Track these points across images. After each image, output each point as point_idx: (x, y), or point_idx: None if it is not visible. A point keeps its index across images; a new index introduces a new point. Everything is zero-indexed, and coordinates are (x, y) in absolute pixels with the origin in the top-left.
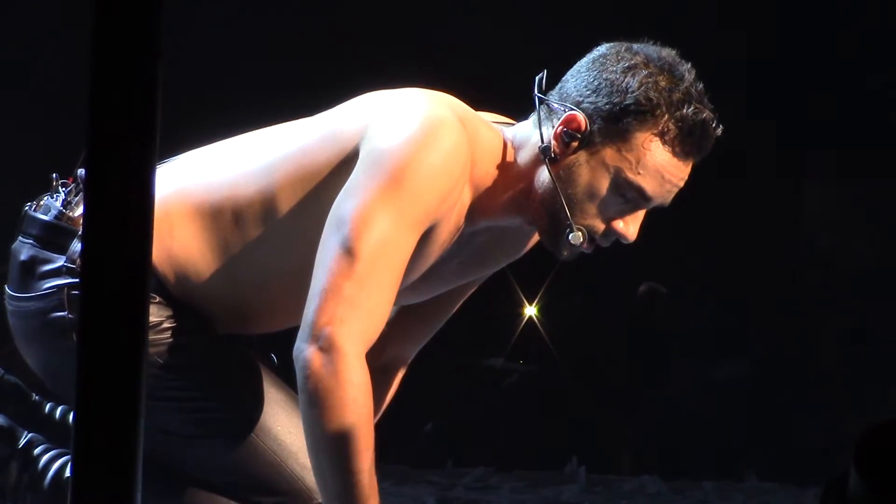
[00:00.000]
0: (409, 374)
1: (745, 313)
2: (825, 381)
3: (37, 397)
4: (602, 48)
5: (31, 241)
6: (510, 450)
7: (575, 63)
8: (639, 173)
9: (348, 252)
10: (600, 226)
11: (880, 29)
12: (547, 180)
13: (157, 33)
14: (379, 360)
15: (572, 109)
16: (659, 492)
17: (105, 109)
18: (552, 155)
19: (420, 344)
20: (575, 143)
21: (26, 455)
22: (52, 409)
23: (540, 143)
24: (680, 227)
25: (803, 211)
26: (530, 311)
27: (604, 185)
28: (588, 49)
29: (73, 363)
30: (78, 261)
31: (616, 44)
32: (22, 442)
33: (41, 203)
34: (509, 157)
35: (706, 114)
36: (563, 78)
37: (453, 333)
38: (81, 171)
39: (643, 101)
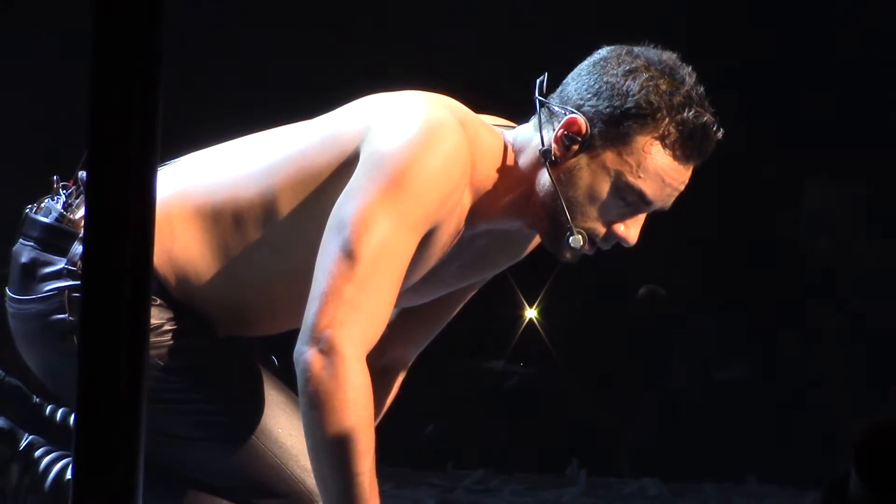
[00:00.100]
0: (409, 376)
1: (745, 315)
2: (825, 381)
3: (38, 400)
4: (603, 51)
5: (31, 244)
6: (511, 452)
7: (576, 66)
8: (639, 177)
9: (349, 255)
10: (601, 229)
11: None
12: (548, 183)
13: (157, 34)
14: (379, 363)
15: (573, 113)
16: (659, 494)
17: (106, 111)
18: (553, 158)
19: (420, 346)
20: (576, 147)
21: (27, 457)
22: (53, 412)
23: (540, 147)
24: (679, 229)
25: (803, 211)
26: (531, 313)
27: (604, 188)
28: (589, 51)
29: (74, 365)
30: (79, 263)
31: (617, 47)
32: (23, 444)
33: (42, 205)
34: (510, 160)
35: (707, 117)
36: (564, 81)
37: (454, 336)
38: (82, 174)
39: (644, 105)
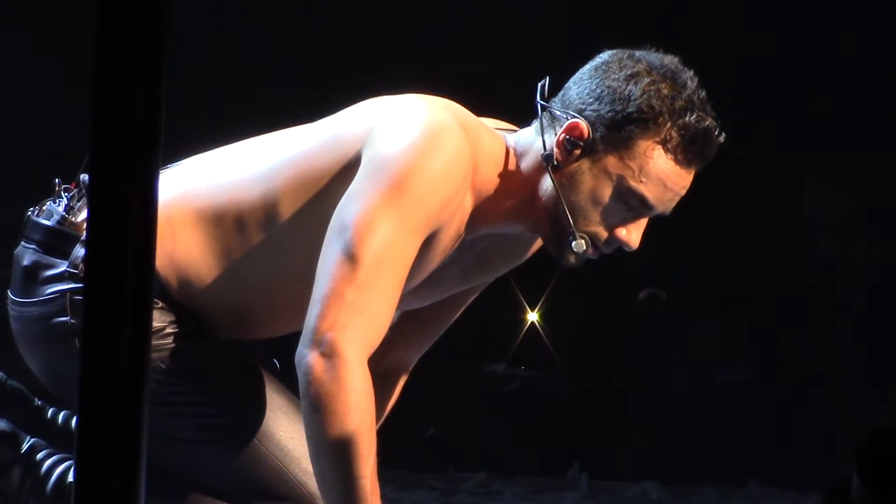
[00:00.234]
0: (410, 379)
1: (746, 318)
2: (826, 383)
3: (39, 402)
4: (604, 55)
5: (33, 246)
6: (512, 455)
7: (577, 69)
8: (641, 181)
9: (350, 258)
10: (603, 233)
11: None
12: (549, 188)
13: (159, 34)
14: (381, 366)
15: (575, 117)
16: (660, 497)
17: (108, 113)
18: (555, 162)
19: (422, 349)
20: (577, 151)
21: (29, 460)
22: (55, 414)
23: (542, 151)
24: (680, 231)
25: (803, 212)
26: (532, 316)
27: (606, 192)
28: (591, 55)
29: (76, 368)
30: (81, 266)
31: (619, 51)
32: (24, 447)
33: (44, 208)
34: (511, 164)
35: (708, 121)
36: (566, 85)
37: (455, 339)
38: (84, 176)
39: (645, 109)
